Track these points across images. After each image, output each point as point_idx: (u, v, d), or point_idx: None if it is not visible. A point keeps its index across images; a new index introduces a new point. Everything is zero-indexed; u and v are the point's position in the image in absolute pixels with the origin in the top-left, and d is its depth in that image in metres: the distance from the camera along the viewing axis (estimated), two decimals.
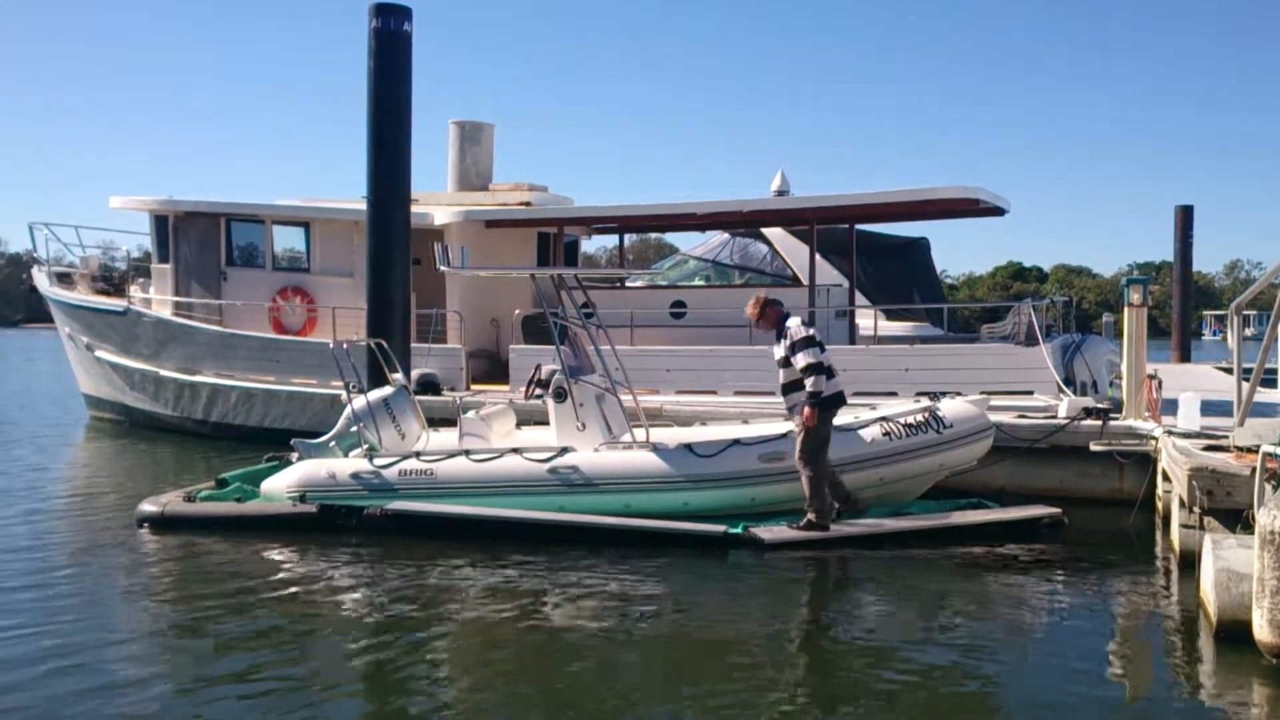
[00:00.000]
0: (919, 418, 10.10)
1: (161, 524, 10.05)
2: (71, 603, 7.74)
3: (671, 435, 10.96)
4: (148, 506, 10.31)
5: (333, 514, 9.92)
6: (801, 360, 9.33)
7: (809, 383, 9.27)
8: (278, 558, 9.16)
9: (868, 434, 9.98)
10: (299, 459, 10.89)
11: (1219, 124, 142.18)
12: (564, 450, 10.03)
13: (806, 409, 9.26)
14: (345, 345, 11.53)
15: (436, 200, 17.42)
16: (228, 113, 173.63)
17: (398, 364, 12.15)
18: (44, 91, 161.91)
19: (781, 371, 9.63)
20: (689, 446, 9.95)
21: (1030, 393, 12.90)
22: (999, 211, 15.66)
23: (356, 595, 8.13)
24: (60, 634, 6.95)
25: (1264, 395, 11.60)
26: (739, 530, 9.28)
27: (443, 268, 10.51)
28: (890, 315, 17.28)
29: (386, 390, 11.15)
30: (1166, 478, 9.72)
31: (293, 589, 8.17)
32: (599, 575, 8.56)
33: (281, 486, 10.42)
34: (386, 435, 10.74)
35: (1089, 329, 28.85)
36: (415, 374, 14.47)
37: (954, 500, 10.40)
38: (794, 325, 9.52)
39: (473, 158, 18.17)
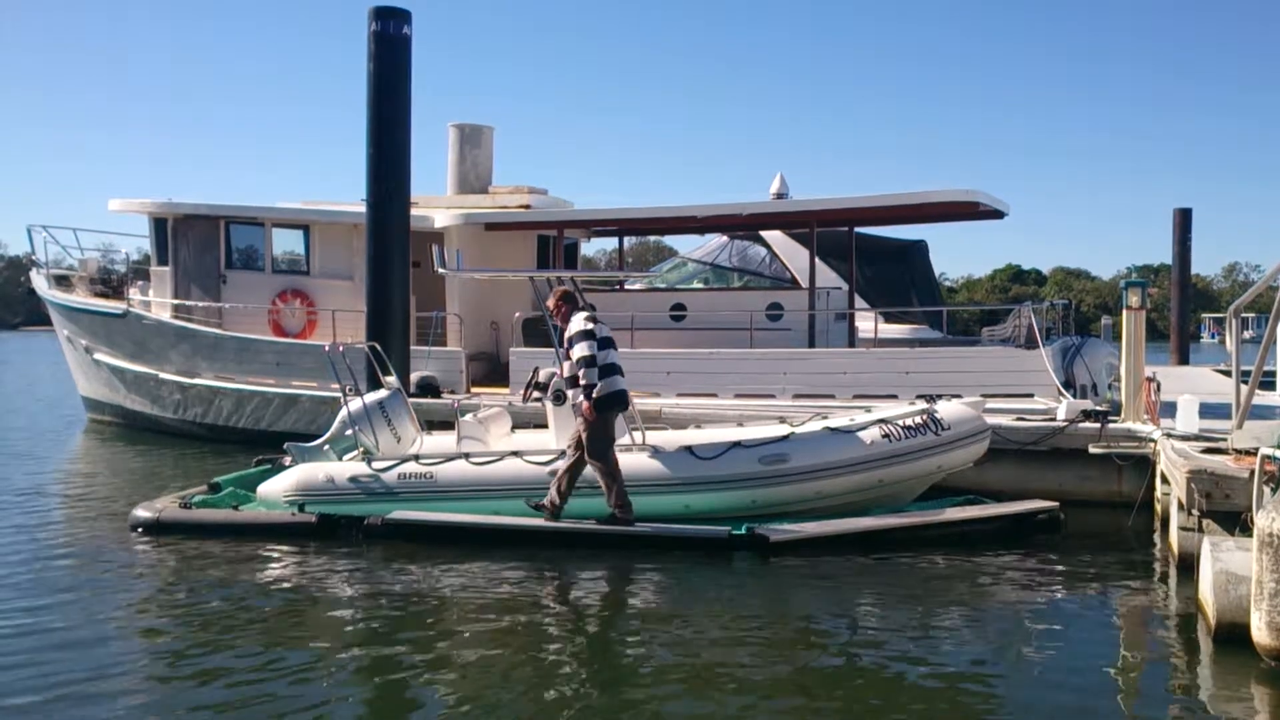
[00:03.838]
0: (918, 420, 10.12)
1: (157, 530, 9.97)
2: (65, 606, 7.71)
3: (669, 438, 10.97)
4: (142, 512, 10.22)
5: (332, 524, 9.82)
6: (575, 352, 9.41)
7: (580, 375, 9.36)
8: (274, 562, 9.11)
9: (867, 436, 9.99)
10: (293, 462, 10.86)
11: (1217, 127, 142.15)
12: (564, 453, 10.02)
13: (584, 404, 9.37)
14: (341, 348, 11.50)
15: (436, 203, 17.43)
16: (227, 116, 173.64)
17: (392, 367, 12.14)
18: (43, 95, 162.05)
19: (565, 365, 9.73)
20: (690, 449, 9.95)
21: (1031, 395, 12.92)
22: (998, 214, 15.68)
23: (355, 601, 8.10)
24: (53, 638, 6.94)
25: (1262, 398, 11.63)
26: (742, 531, 9.29)
27: (440, 270, 10.51)
28: (889, 318, 17.29)
29: (381, 393, 11.10)
30: (1165, 480, 9.73)
31: (290, 595, 8.14)
32: (602, 580, 8.56)
33: (278, 490, 10.37)
34: (382, 438, 10.72)
35: (1087, 332, 28.87)
36: (415, 376, 14.47)
37: (951, 499, 10.48)
38: (576, 318, 9.59)
39: (472, 160, 18.19)
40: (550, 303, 10.02)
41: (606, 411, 9.38)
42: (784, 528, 9.35)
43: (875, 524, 9.60)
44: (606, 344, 9.52)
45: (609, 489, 9.40)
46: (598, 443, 9.36)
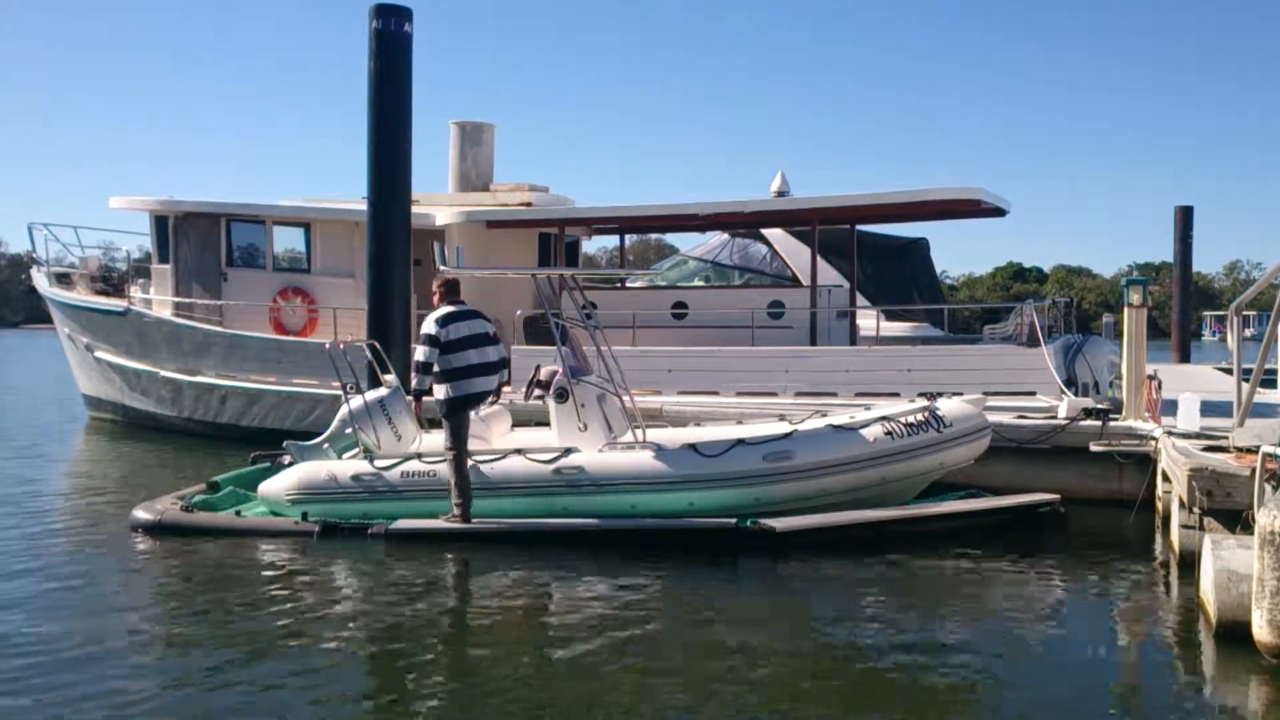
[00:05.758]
0: (919, 417, 10.13)
1: (157, 532, 9.91)
2: (64, 607, 7.70)
3: (671, 436, 10.96)
4: (142, 514, 10.16)
5: (337, 531, 9.79)
6: (414, 353, 9.65)
7: (410, 379, 9.68)
8: (276, 565, 9.09)
9: (870, 433, 10.00)
10: (292, 461, 10.84)
11: (1219, 124, 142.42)
12: (568, 451, 10.02)
13: (413, 404, 9.75)
14: (341, 346, 11.49)
15: (437, 201, 17.43)
16: (228, 113, 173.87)
17: (392, 365, 12.12)
18: (44, 92, 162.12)
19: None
20: (693, 446, 9.95)
21: (1033, 393, 12.92)
22: (1000, 212, 15.66)
23: (357, 603, 8.07)
24: (51, 639, 6.92)
25: (1263, 396, 11.60)
26: (749, 524, 9.30)
27: (441, 268, 10.52)
28: (890, 316, 17.29)
29: (381, 392, 11.09)
30: (1166, 478, 9.73)
31: (292, 598, 8.10)
32: (606, 578, 8.54)
33: (280, 490, 10.35)
34: (383, 436, 10.71)
35: (1089, 330, 28.87)
36: None
37: (951, 494, 10.56)
38: (429, 318, 9.73)
39: (473, 158, 18.18)
40: (433, 286, 10.10)
41: (459, 413, 9.60)
42: (790, 520, 9.39)
43: (880, 515, 9.69)
44: (461, 345, 9.61)
45: (451, 483, 9.63)
46: (449, 439, 9.64)
